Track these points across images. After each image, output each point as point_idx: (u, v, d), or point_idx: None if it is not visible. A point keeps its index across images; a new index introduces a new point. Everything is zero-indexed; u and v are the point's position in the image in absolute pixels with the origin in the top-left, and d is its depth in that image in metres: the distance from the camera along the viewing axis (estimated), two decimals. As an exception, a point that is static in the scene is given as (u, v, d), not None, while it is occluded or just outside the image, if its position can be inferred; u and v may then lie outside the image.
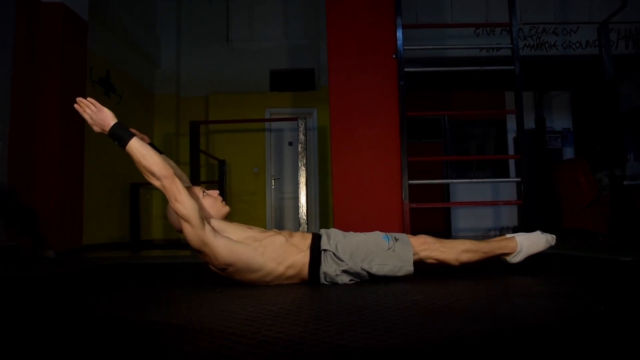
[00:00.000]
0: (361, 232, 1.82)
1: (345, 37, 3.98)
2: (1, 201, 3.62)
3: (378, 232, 1.80)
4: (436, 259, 1.76)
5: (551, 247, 1.86)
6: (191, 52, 7.30)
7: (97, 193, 5.20)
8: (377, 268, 1.70)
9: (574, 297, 1.38)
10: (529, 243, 1.83)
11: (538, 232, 1.86)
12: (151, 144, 1.91)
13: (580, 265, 2.26)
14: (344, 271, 1.70)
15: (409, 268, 1.72)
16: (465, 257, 1.77)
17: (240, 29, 7.42)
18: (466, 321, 1.06)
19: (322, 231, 1.79)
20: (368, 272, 1.71)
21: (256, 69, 7.24)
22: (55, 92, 3.90)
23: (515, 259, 1.83)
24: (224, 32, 7.42)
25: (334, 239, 1.74)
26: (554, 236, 1.87)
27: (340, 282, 1.71)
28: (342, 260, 1.69)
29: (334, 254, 1.69)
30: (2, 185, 3.65)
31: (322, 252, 1.70)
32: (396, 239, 1.76)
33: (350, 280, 1.72)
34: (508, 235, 1.87)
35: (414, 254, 1.73)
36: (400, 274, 1.72)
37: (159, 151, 1.91)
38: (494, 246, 1.82)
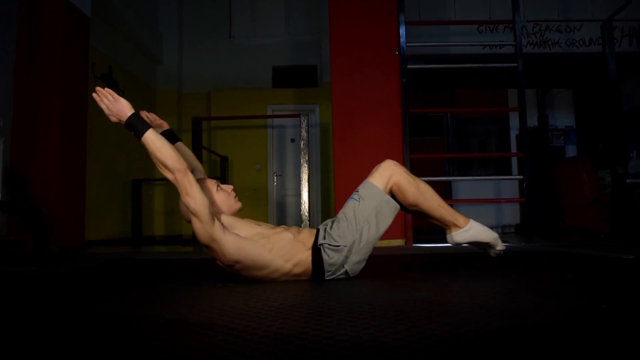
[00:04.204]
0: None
1: (347, 34, 3.97)
2: (3, 197, 3.63)
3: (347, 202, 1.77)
4: (398, 185, 1.71)
5: (501, 246, 1.81)
6: (193, 48, 7.30)
7: (99, 189, 5.21)
8: (365, 223, 1.68)
9: (575, 295, 1.38)
10: (480, 229, 1.79)
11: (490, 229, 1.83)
12: (170, 131, 1.92)
13: (582, 263, 2.26)
14: (349, 251, 1.67)
15: (386, 198, 1.69)
16: (423, 198, 1.72)
17: (242, 26, 7.41)
18: (467, 318, 1.06)
19: (320, 226, 1.78)
20: (364, 234, 1.68)
21: (258, 66, 7.23)
22: (57, 88, 3.90)
23: (459, 236, 1.77)
24: (226, 28, 7.41)
25: (327, 230, 1.72)
26: (503, 246, 1.83)
27: (349, 270, 1.68)
28: (339, 245, 1.67)
29: (329, 244, 1.67)
30: (4, 181, 3.65)
31: (320, 247, 1.68)
32: (357, 190, 1.75)
33: (359, 262, 1.69)
34: None
35: (387, 183, 1.71)
36: (390, 212, 1.70)
37: (177, 138, 1.92)
38: (449, 209, 1.78)
